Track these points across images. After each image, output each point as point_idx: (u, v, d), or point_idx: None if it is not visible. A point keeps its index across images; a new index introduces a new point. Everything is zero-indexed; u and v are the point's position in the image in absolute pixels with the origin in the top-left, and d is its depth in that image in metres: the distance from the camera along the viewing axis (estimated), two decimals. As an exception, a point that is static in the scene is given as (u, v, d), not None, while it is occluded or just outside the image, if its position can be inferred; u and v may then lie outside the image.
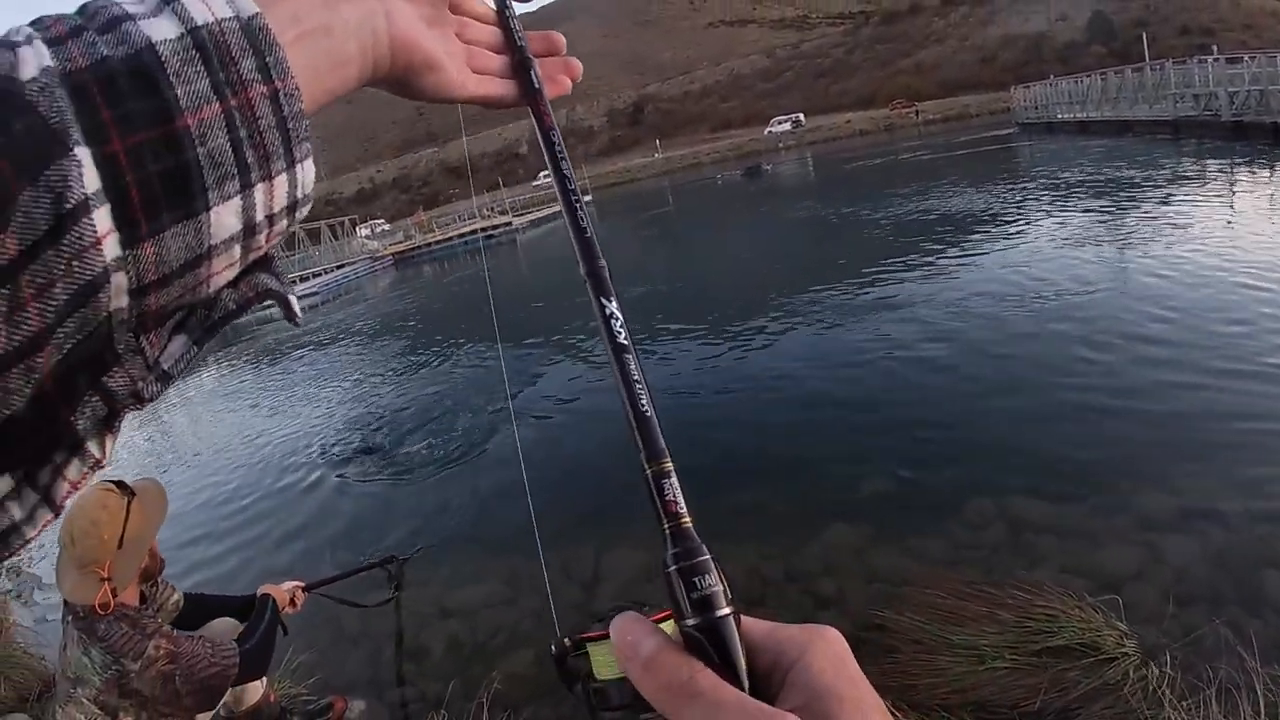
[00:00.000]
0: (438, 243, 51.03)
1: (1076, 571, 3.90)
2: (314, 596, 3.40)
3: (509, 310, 17.03)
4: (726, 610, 0.39)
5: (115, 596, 2.39)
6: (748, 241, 19.86)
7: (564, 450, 7.35)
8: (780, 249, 17.50)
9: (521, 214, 55.08)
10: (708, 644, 0.39)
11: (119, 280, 0.36)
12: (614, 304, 0.49)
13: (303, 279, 47.83)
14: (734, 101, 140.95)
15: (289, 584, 3.23)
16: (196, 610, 2.99)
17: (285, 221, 0.44)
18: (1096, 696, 3.13)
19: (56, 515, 0.42)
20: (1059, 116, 34.94)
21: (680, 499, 0.43)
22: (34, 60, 0.34)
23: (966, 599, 3.76)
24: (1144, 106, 27.49)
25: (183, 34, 0.37)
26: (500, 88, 0.62)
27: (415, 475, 7.42)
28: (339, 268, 48.13)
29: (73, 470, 0.42)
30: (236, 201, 0.39)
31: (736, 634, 0.40)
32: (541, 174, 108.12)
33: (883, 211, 18.28)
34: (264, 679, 3.24)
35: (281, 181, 0.42)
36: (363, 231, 69.21)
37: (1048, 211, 14.17)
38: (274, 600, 3.05)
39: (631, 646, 0.39)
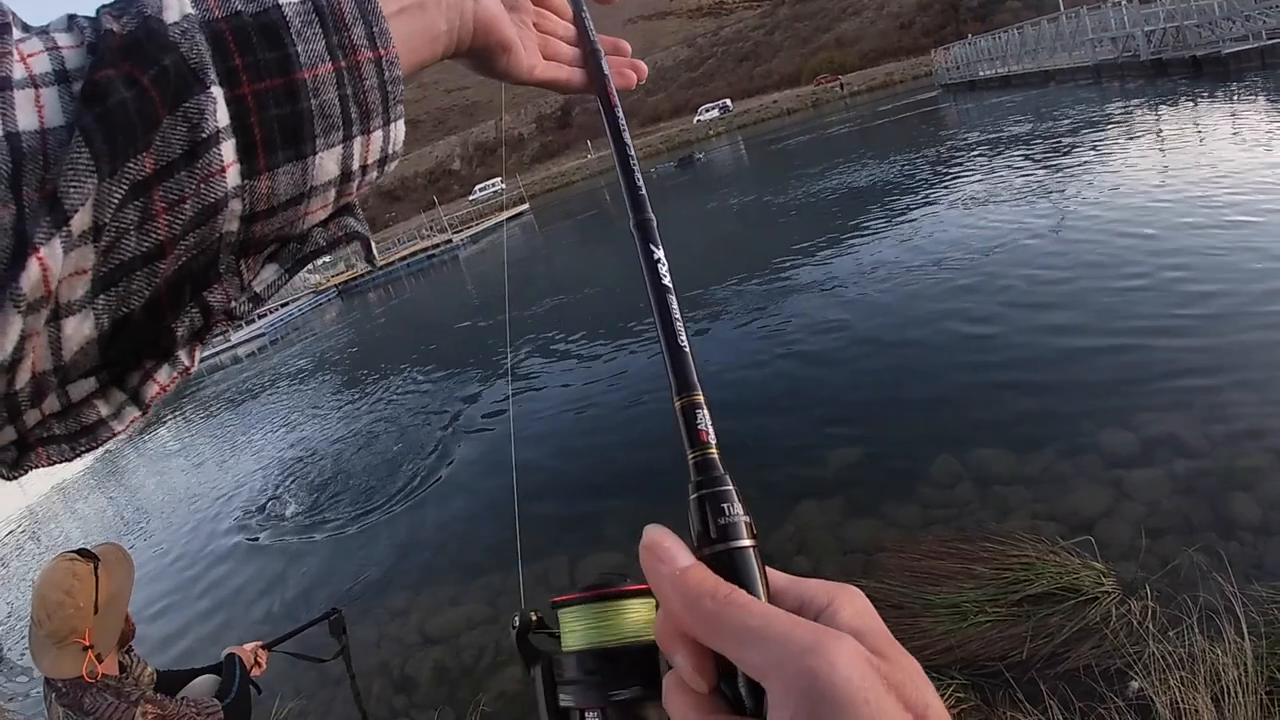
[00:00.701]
0: (380, 268, 50.53)
1: (1048, 517, 3.97)
2: (276, 654, 3.35)
3: (450, 330, 16.93)
4: (749, 542, 0.38)
5: (100, 663, 2.34)
6: (681, 235, 19.93)
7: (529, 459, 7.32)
8: (715, 239, 17.50)
9: (460, 230, 54.69)
10: (730, 572, 0.37)
11: (234, 206, 0.42)
12: (660, 250, 0.52)
13: (248, 322, 47.26)
14: (660, 94, 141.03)
15: (250, 645, 3.19)
16: (168, 684, 2.93)
17: (375, 173, 0.49)
18: (1082, 638, 3.18)
19: (144, 414, 0.46)
20: (980, 74, 35.43)
21: (710, 430, 0.43)
22: (176, 6, 0.39)
23: (942, 558, 3.81)
24: (1064, 55, 28.06)
25: None
26: (568, 74, 0.66)
27: (376, 511, 7.36)
28: (283, 305, 47.54)
29: (163, 374, 0.46)
30: (338, 150, 0.45)
31: (760, 568, 0.37)
32: (477, 187, 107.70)
33: (814, 188, 18.47)
34: (252, 733, 3.19)
35: (377, 137, 0.47)
36: (301, 264, 68.34)
37: (975, 169, 14.37)
38: (240, 658, 3.01)
39: (667, 552, 0.37)
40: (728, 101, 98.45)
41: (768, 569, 0.39)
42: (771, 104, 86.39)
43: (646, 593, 0.51)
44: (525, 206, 60.70)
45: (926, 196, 13.08)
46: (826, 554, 4.25)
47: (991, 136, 18.14)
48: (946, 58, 42.18)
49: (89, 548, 2.55)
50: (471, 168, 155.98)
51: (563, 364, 10.25)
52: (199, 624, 6.33)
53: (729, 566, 0.37)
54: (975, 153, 16.46)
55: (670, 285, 0.50)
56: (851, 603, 0.35)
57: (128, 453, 19.15)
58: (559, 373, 9.90)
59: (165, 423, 21.75)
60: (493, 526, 6.08)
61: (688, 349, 0.46)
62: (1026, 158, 13.97)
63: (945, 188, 13.37)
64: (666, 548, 0.37)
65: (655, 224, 0.54)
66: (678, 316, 0.47)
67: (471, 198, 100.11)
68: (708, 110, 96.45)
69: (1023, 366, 5.80)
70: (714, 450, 0.42)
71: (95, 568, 2.45)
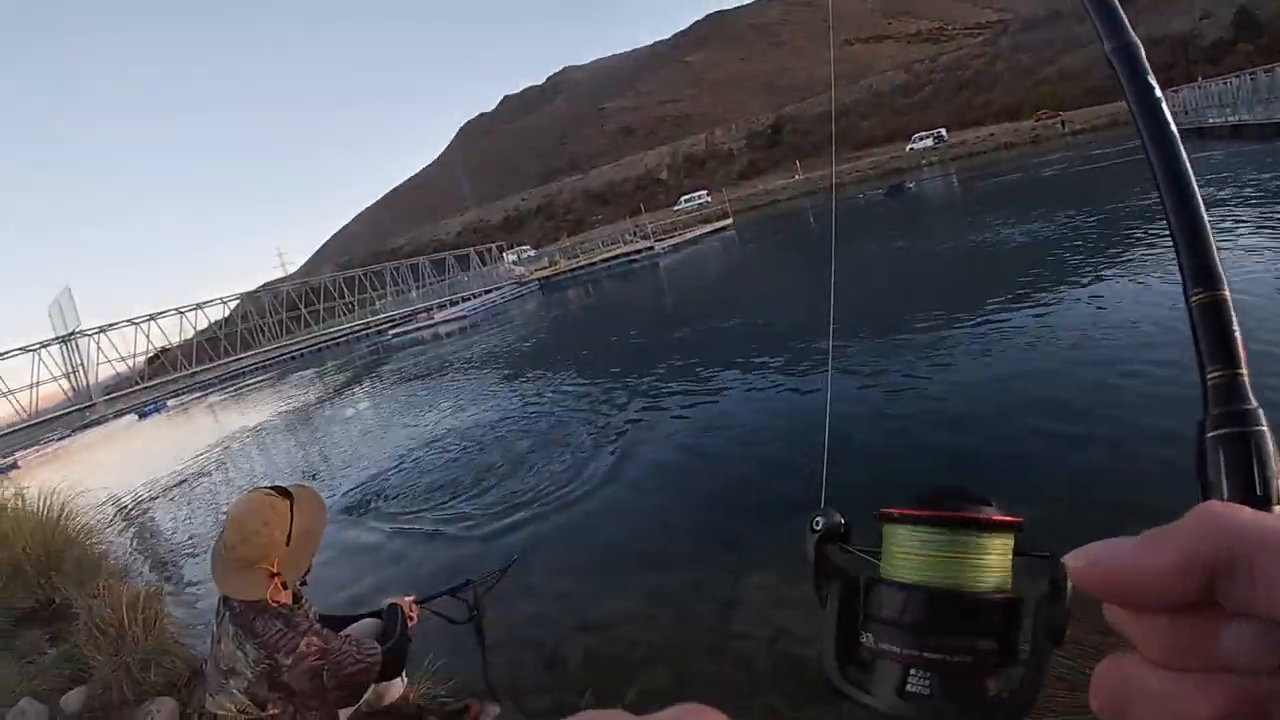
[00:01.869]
0: (581, 267, 52.17)
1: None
2: (426, 611, 3.51)
3: (645, 331, 17.15)
4: None
5: (284, 591, 2.54)
6: (886, 264, 19.37)
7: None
8: (921, 273, 16.93)
9: (662, 239, 55.63)
10: None
11: None
12: (1155, 84, 0.44)
13: (452, 303, 49.95)
14: (873, 119, 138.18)
15: (407, 597, 3.35)
16: (328, 625, 3.13)
17: None
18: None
19: None
20: (1210, 121, 32.44)
21: (1238, 339, 0.35)
22: None
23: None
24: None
25: None
26: None
27: (551, 491, 7.56)
28: (486, 292, 49.95)
29: None
30: None
31: None
32: (683, 197, 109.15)
33: (1025, 232, 17.45)
34: (404, 677, 3.35)
35: None
36: (509, 257, 71.65)
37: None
38: (402, 609, 3.19)
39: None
40: (943, 131, 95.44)
41: None
42: (988, 136, 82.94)
43: (1009, 530, 0.42)
44: (729, 221, 61.03)
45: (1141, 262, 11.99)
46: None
47: (1221, 191, 16.56)
48: (1174, 100, 39.04)
49: (286, 486, 2.76)
50: (679, 178, 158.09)
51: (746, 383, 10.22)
52: (361, 565, 6.76)
53: None
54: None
55: (1174, 125, 0.40)
56: None
57: (322, 408, 20.71)
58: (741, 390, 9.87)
59: (362, 385, 23.38)
60: (656, 525, 6.16)
61: (1206, 222, 0.38)
62: (1257, 219, 12.55)
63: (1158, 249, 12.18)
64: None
65: (1143, 51, 0.44)
66: (1187, 169, 0.39)
67: (676, 207, 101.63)
68: (921, 139, 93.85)
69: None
70: (1244, 372, 0.35)
71: (291, 505, 2.67)
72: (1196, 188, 0.39)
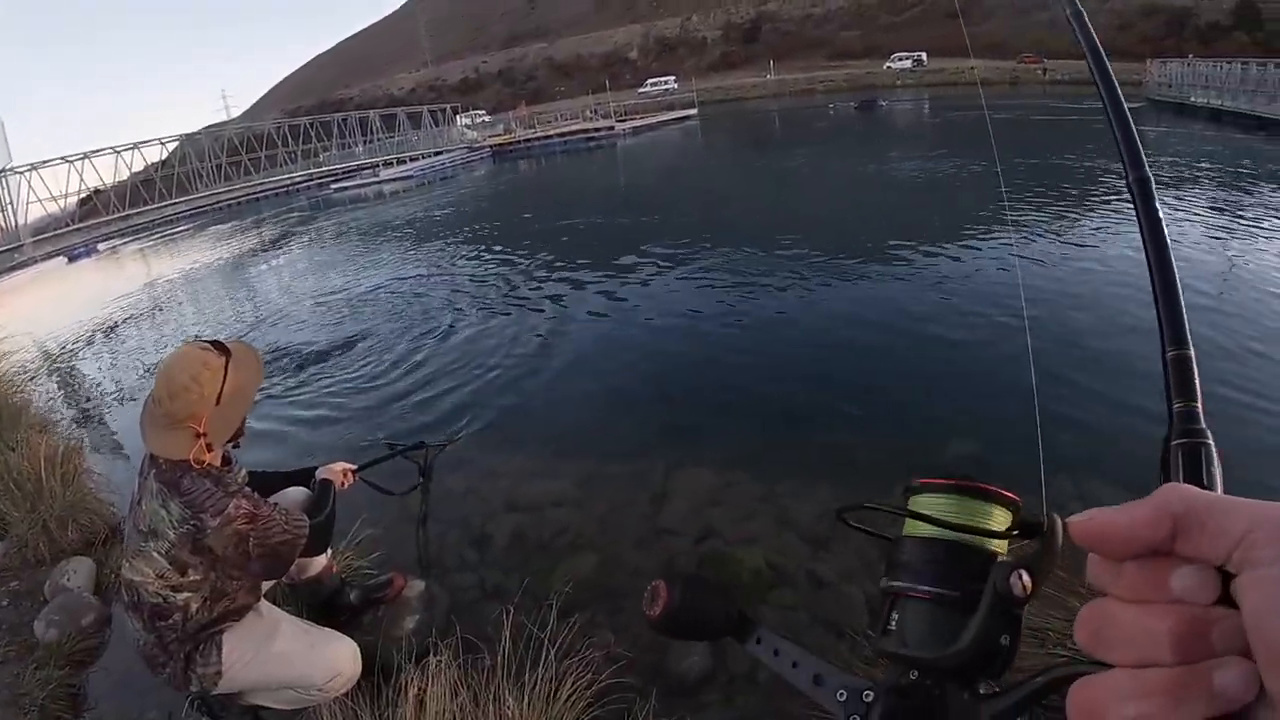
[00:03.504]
0: (537, 139, 50.94)
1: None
2: (360, 480, 3.42)
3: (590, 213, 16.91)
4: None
5: (208, 452, 2.40)
6: (844, 183, 19.20)
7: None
8: (875, 196, 16.80)
9: (624, 120, 54.45)
10: None
11: None
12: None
13: (400, 162, 48.53)
14: (856, 31, 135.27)
15: (340, 464, 3.25)
16: (261, 486, 3.00)
17: None
18: None
19: None
20: (1191, 99, 32.43)
21: (1196, 383, 0.50)
22: None
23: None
24: (1288, 107, 25.12)
25: None
26: None
27: (484, 364, 7.48)
28: (436, 154, 48.57)
29: None
30: None
31: None
32: (649, 81, 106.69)
33: (987, 171, 17.37)
34: (328, 551, 3.29)
35: None
36: (463, 120, 69.36)
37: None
38: (332, 483, 3.09)
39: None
40: (923, 55, 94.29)
41: None
42: (969, 69, 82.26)
43: (1008, 504, 0.55)
44: (693, 112, 59.99)
45: (1107, 211, 12.05)
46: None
47: (1185, 171, 16.60)
48: (1161, 71, 38.90)
49: (223, 341, 2.59)
50: (648, 61, 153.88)
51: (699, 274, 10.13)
52: (293, 427, 6.60)
53: None
54: (1171, 186, 14.88)
55: (1169, 238, 0.54)
56: None
57: (257, 260, 20.17)
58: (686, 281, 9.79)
59: (300, 239, 22.78)
60: (594, 410, 6.14)
61: (1182, 301, 0.51)
62: (1211, 205, 12.51)
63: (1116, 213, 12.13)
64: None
65: (1153, 183, 0.55)
66: (1174, 269, 0.52)
67: (641, 90, 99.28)
68: (901, 59, 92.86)
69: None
70: (1199, 405, 0.49)
71: (226, 362, 2.49)
72: (1179, 279, 0.49)
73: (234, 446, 2.69)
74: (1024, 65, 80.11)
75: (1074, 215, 11.71)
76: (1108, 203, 12.33)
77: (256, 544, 2.40)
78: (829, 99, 62.30)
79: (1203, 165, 17.57)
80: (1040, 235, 10.44)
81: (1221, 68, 31.14)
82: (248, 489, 2.51)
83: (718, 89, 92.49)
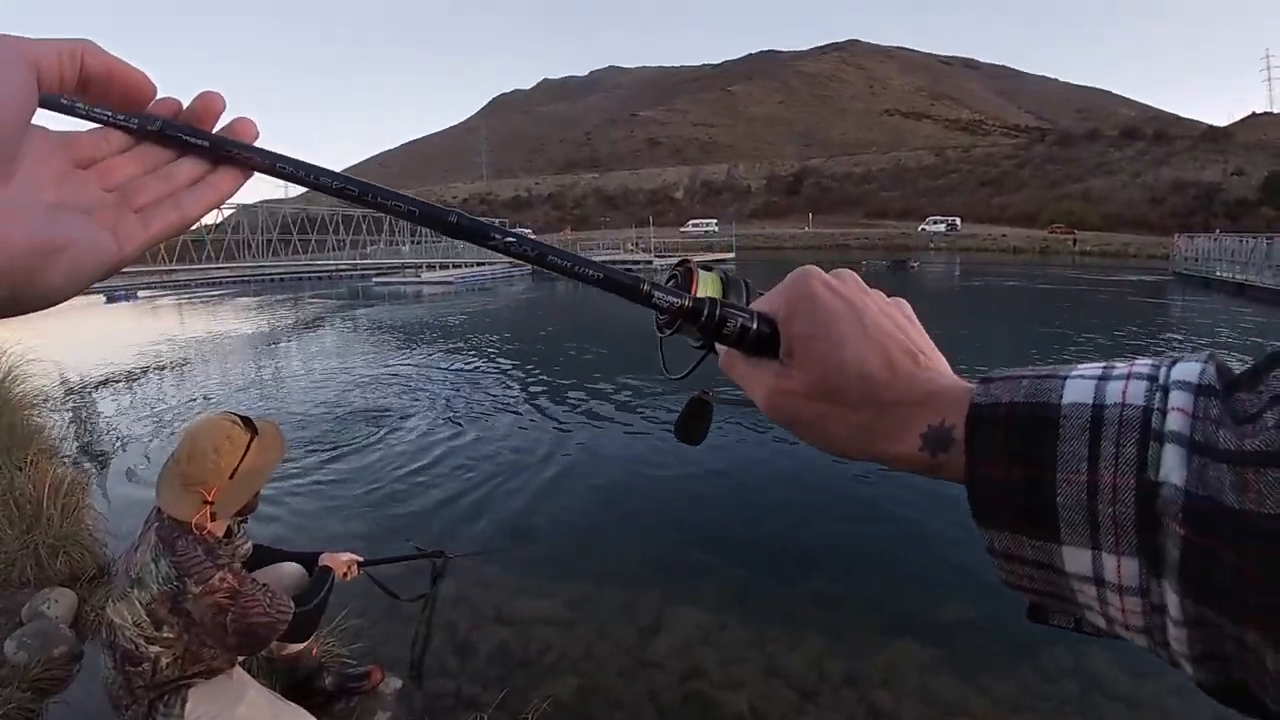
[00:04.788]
0: (576, 264, 51.94)
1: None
2: (364, 573, 3.48)
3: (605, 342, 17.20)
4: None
5: (211, 521, 2.49)
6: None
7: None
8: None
9: (663, 255, 55.73)
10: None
11: None
12: None
13: (443, 266, 49.78)
14: (895, 192, 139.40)
15: (346, 555, 3.30)
16: (259, 559, 3.08)
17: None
18: None
19: None
20: (1217, 273, 32.80)
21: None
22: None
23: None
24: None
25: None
26: (178, 214, 0.53)
27: (496, 474, 7.51)
28: (479, 264, 49.80)
29: None
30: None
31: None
32: (691, 221, 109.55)
33: (1015, 336, 17.68)
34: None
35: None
36: (507, 238, 70.97)
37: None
38: (333, 575, 3.14)
39: None
40: (957, 220, 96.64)
41: None
42: (1000, 237, 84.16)
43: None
44: (731, 255, 61.29)
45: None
46: (910, 699, 4.04)
47: (1205, 340, 16.85)
48: (1188, 246, 39.34)
49: (254, 419, 2.72)
50: (692, 202, 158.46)
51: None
52: (306, 508, 6.63)
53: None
54: (1181, 350, 15.14)
55: None
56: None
57: (292, 335, 20.58)
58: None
59: (337, 322, 23.29)
60: (598, 534, 6.14)
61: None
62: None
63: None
64: None
65: None
66: None
67: (683, 229, 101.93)
68: (936, 222, 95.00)
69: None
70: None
71: (251, 440, 2.63)
72: None
73: (241, 521, 2.78)
74: (1054, 235, 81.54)
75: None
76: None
77: (234, 620, 2.44)
78: (863, 256, 63.60)
79: (1221, 334, 17.82)
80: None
81: (1246, 243, 31.41)
82: (237, 565, 2.56)
83: (757, 235, 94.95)
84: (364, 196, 0.53)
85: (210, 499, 2.50)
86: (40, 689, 3.66)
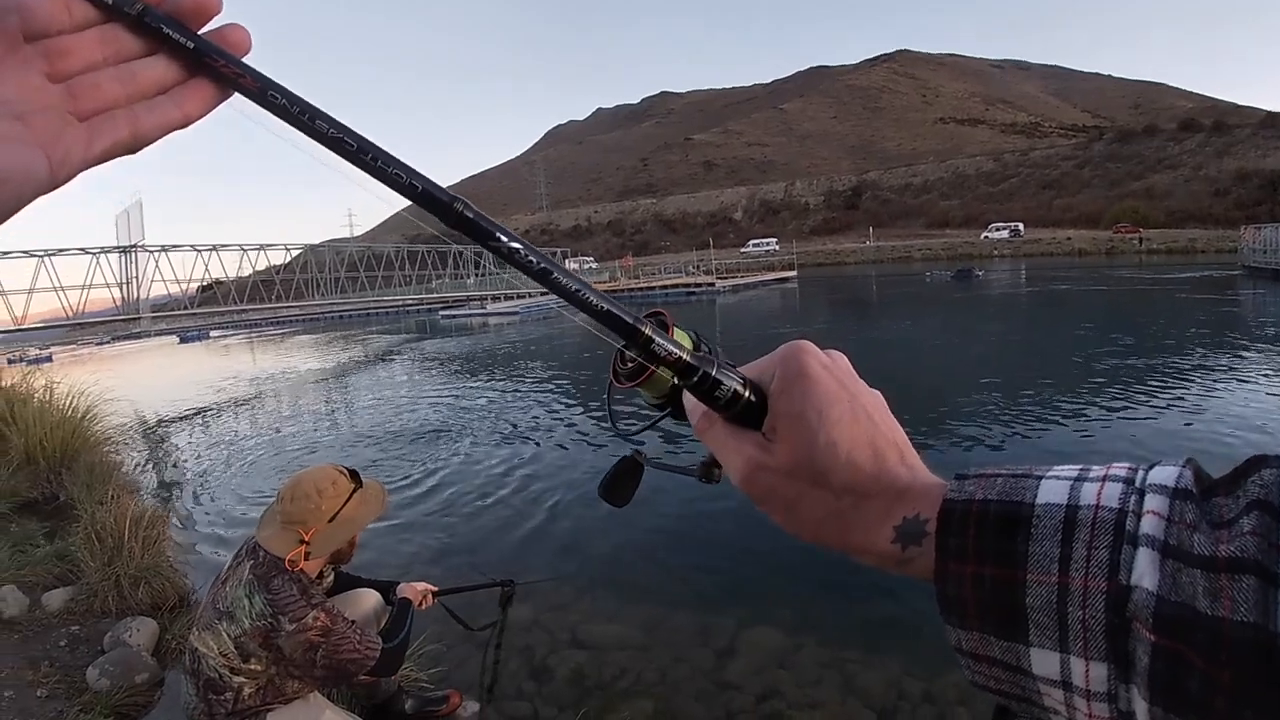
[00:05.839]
0: (640, 289, 52.41)
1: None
2: (438, 602, 3.55)
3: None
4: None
5: (305, 560, 2.58)
6: (940, 349, 19.16)
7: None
8: (968, 362, 16.69)
9: (725, 277, 55.77)
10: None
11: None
12: None
13: (507, 297, 50.47)
14: (955, 200, 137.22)
15: (421, 585, 3.39)
16: (341, 587, 3.17)
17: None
18: None
19: None
20: None
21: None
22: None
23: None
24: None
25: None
26: (130, 131, 0.43)
27: (564, 500, 7.54)
28: (543, 294, 50.27)
29: None
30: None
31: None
32: (751, 242, 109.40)
33: (1083, 343, 17.17)
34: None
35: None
36: (571, 265, 71.92)
37: (1262, 369, 12.68)
38: (412, 606, 3.22)
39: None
40: (1020, 225, 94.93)
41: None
42: (1065, 239, 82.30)
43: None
44: (793, 273, 61.09)
45: (1205, 387, 11.69)
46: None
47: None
48: (1256, 238, 37.86)
49: (361, 474, 2.86)
50: (751, 222, 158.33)
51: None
52: (378, 532, 6.69)
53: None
54: (1262, 343, 14.70)
55: None
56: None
57: (362, 371, 20.99)
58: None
59: (406, 357, 23.70)
60: (668, 557, 6.12)
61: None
62: None
63: (1226, 379, 11.87)
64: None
65: None
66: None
67: (743, 250, 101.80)
68: (998, 229, 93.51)
69: None
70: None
71: (354, 490, 2.76)
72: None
73: (334, 566, 2.87)
74: (1119, 235, 79.49)
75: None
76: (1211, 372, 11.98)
77: (324, 656, 2.52)
78: (927, 267, 62.75)
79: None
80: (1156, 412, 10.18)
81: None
82: (330, 602, 2.64)
83: (818, 252, 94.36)
84: (361, 155, 0.45)
85: (307, 539, 2.60)
86: (122, 714, 3.77)
